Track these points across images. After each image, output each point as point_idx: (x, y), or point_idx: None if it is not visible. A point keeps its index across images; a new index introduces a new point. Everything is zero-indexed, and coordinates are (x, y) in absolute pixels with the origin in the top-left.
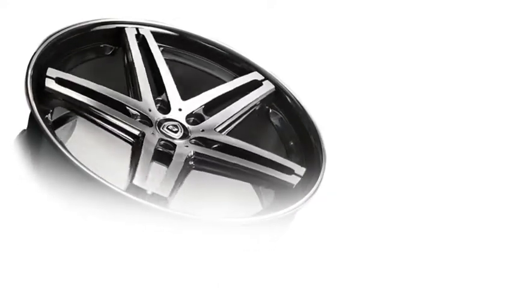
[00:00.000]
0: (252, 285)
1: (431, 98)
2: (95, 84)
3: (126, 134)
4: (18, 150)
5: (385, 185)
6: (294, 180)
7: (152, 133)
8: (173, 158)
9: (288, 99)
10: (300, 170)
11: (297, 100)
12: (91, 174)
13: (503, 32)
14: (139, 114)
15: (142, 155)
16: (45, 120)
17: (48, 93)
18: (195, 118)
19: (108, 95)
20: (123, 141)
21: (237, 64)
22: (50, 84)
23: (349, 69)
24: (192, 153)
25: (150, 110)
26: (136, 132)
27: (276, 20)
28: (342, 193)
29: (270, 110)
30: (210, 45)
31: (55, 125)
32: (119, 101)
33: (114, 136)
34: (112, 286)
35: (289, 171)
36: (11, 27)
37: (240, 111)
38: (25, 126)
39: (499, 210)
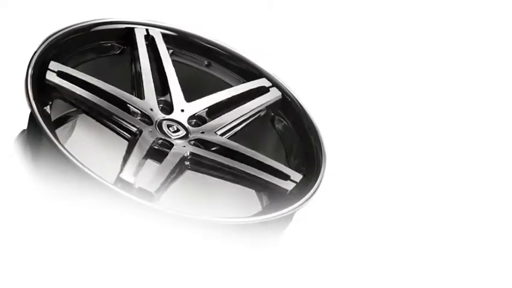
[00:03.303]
0: (250, 285)
1: (431, 98)
2: (97, 80)
3: (123, 130)
4: (18, 150)
5: (385, 185)
6: (288, 185)
7: (151, 131)
8: (167, 157)
9: (295, 108)
10: (297, 177)
11: (302, 107)
12: (91, 174)
13: (503, 32)
14: (139, 112)
15: (134, 150)
16: (45, 120)
17: (48, 85)
18: (197, 120)
19: (109, 92)
20: (123, 140)
21: (244, 68)
22: (50, 76)
23: (349, 70)
24: (188, 154)
25: (152, 110)
26: (133, 129)
27: (276, 20)
28: (342, 193)
29: (276, 117)
30: (218, 49)
31: (55, 125)
32: (121, 98)
33: (114, 134)
34: (113, 286)
35: (285, 176)
36: (11, 27)
37: (243, 115)
38: (25, 126)
39: (499, 211)
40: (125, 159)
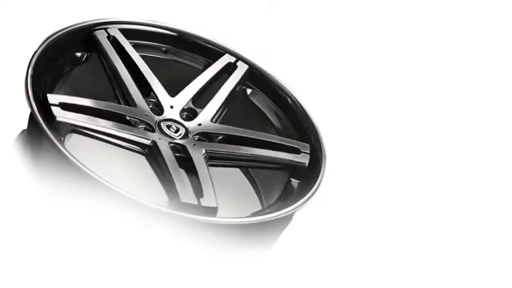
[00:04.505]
0: (250, 285)
1: (431, 98)
2: (94, 101)
3: (136, 145)
4: (18, 150)
5: (384, 185)
6: (304, 159)
7: (160, 139)
8: (195, 164)
9: (262, 77)
10: (306, 148)
11: (271, 75)
12: (92, 174)
13: (503, 32)
14: (138, 121)
15: (169, 167)
16: (46, 120)
17: (59, 122)
18: (188, 113)
19: (110, 110)
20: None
21: (206, 49)
22: (58, 112)
23: (349, 69)
24: (204, 152)
25: (147, 115)
26: (147, 142)
27: (276, 20)
28: (342, 193)
29: (247, 90)
30: (176, 34)
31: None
32: (120, 112)
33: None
34: (112, 286)
35: (297, 150)
36: (11, 27)
37: (227, 98)
38: (25, 126)
39: (499, 211)
40: (169, 179)
